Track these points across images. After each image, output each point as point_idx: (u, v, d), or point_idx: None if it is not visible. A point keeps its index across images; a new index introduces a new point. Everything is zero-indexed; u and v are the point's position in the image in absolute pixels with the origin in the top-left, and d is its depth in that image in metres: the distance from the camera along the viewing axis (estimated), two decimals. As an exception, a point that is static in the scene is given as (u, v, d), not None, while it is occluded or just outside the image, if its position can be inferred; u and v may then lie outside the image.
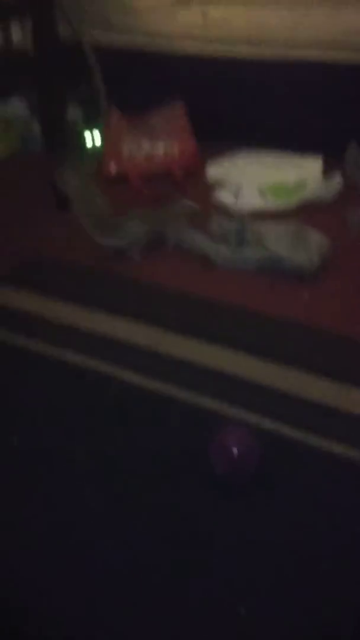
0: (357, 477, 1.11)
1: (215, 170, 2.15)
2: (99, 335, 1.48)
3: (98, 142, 2.37)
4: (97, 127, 2.38)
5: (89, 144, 2.38)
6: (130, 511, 1.10)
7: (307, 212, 1.90)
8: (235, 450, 1.08)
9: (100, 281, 1.70)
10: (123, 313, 1.55)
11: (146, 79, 2.31)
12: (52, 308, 1.58)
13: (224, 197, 1.98)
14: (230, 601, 0.95)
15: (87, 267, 1.75)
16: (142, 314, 1.52)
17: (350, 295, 1.58)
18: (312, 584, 0.97)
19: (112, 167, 2.21)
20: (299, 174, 2.06)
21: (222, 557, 1.02)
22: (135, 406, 1.30)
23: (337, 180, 2.01)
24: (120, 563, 1.02)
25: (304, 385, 1.30)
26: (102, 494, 1.13)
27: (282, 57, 2.13)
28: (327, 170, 2.06)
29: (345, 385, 1.29)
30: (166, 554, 1.03)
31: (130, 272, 1.72)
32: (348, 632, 0.92)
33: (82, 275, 1.73)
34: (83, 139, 2.38)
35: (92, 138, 2.38)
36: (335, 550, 1.01)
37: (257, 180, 2.00)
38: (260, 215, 1.84)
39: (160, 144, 2.24)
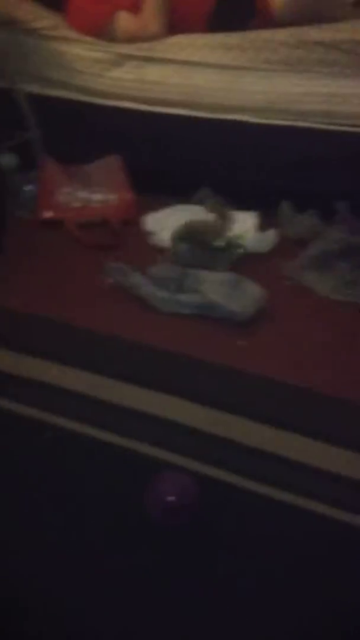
0: (296, 520, 1.08)
1: (152, 220, 2.16)
2: (33, 382, 1.41)
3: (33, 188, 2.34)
4: (32, 174, 2.36)
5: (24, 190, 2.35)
6: (63, 559, 1.02)
7: (244, 264, 1.93)
8: (171, 498, 1.03)
9: (33, 325, 1.64)
10: (57, 358, 1.49)
11: (83, 131, 2.32)
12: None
13: (162, 243, 1.99)
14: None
15: (17, 312, 1.69)
16: (77, 359, 1.47)
17: (283, 343, 1.59)
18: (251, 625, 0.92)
19: (46, 213, 2.18)
20: (235, 228, 2.11)
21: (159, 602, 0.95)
22: (70, 452, 1.23)
23: (271, 234, 2.07)
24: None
25: (241, 430, 1.27)
26: (31, 540, 1.04)
27: (215, 118, 2.20)
28: (262, 225, 2.12)
29: (282, 430, 1.27)
30: (100, 601, 0.95)
31: (64, 315, 1.67)
32: None
33: (13, 319, 1.66)
34: (18, 185, 2.35)
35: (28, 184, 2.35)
36: (274, 593, 0.97)
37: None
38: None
39: (97, 193, 2.24)
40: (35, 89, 2.37)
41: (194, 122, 2.22)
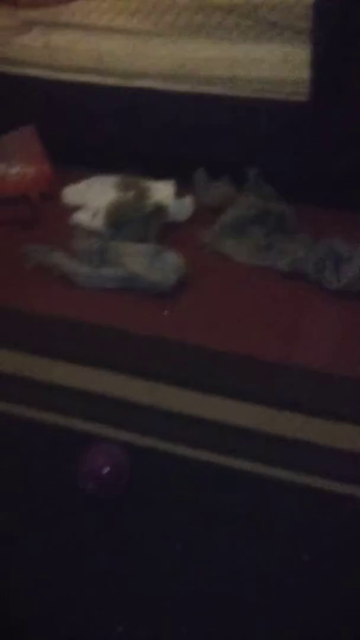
0: (224, 480, 1.18)
1: (72, 193, 2.16)
2: None
3: None
4: None
5: None
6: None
7: (163, 233, 1.98)
8: (104, 470, 1.10)
9: None
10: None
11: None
12: None
13: (82, 218, 2.00)
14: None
15: None
16: (2, 340, 1.49)
17: (205, 308, 1.67)
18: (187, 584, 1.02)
19: None
20: (153, 197, 2.14)
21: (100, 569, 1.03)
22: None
23: (188, 202, 2.12)
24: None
25: (169, 397, 1.35)
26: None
27: (124, 85, 2.20)
28: (178, 194, 2.16)
29: (208, 394, 1.36)
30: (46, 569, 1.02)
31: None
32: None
33: None
34: None
35: None
36: (203, 551, 1.07)
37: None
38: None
39: (12, 167, 2.20)
40: None
41: (103, 90, 2.21)
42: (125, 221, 1.95)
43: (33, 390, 1.36)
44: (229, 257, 1.93)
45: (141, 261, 1.72)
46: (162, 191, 2.17)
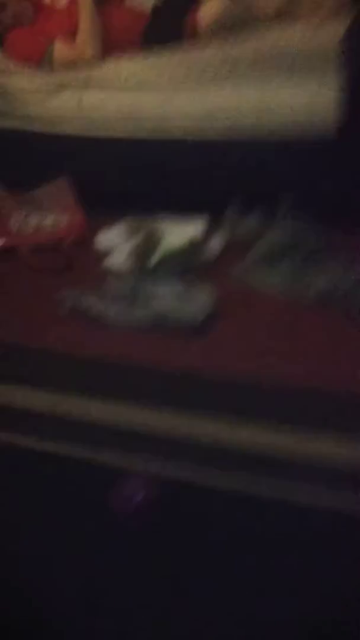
0: (252, 510, 1.18)
1: (103, 239, 2.24)
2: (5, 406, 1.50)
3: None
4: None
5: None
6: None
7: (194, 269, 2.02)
8: (134, 498, 1.12)
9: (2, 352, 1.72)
10: (20, 381, 1.56)
11: (29, 158, 2.40)
12: None
13: (113, 262, 2.07)
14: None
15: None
16: (37, 380, 1.55)
17: (235, 340, 1.69)
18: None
19: (0, 241, 2.25)
20: (185, 238, 2.20)
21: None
22: (38, 469, 1.30)
23: (219, 238, 2.16)
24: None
25: (198, 428, 1.36)
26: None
27: (155, 137, 2.30)
28: (209, 231, 2.21)
29: (236, 424, 1.37)
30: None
31: (25, 340, 1.74)
32: None
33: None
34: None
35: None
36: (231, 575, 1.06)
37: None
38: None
39: (47, 218, 2.31)
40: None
41: (133, 143, 2.31)
42: (158, 261, 2.01)
43: (69, 428, 1.40)
44: (259, 289, 1.95)
45: (170, 302, 1.76)
46: (195, 229, 2.23)
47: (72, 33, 2.44)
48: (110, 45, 2.44)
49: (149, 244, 2.06)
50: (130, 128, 2.33)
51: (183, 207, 2.28)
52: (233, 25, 2.35)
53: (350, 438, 1.27)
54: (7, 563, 1.13)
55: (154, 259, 2.00)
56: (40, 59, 2.44)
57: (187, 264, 2.01)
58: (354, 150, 2.13)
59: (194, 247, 2.09)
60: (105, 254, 2.14)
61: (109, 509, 1.15)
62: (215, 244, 2.15)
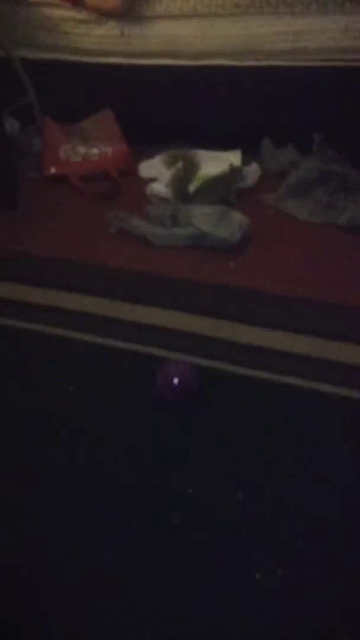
0: (281, 396, 1.37)
1: (146, 168, 2.38)
2: (61, 309, 1.71)
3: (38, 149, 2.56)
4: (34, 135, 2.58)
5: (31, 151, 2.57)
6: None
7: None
8: (176, 380, 1.32)
9: (54, 266, 1.91)
10: (77, 289, 1.77)
11: (75, 89, 2.52)
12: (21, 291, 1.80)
13: (156, 188, 2.22)
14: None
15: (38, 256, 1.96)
16: (93, 289, 1.75)
17: (267, 260, 1.85)
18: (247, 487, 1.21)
19: (52, 170, 2.41)
20: (222, 167, 2.33)
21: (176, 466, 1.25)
22: (96, 361, 1.52)
23: (254, 169, 2.29)
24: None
25: (233, 331, 1.55)
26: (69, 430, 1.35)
27: (195, 64, 2.38)
28: (245, 162, 2.34)
29: (265, 328, 1.56)
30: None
31: (78, 256, 1.93)
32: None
33: (40, 261, 1.93)
34: (25, 147, 2.57)
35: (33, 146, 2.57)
36: (262, 459, 1.26)
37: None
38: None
39: (95, 147, 2.46)
40: (29, 54, 2.55)
41: (174, 70, 2.41)
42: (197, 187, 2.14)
43: (119, 327, 1.61)
44: (292, 216, 2.09)
45: (209, 221, 1.91)
46: (232, 160, 2.35)
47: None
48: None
49: (188, 172, 2.20)
50: (170, 56, 2.42)
51: (221, 139, 2.40)
52: None
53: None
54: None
55: (193, 185, 2.14)
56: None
57: (224, 192, 2.15)
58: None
59: (231, 175, 2.21)
60: (148, 181, 2.30)
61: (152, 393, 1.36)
62: (252, 173, 2.28)
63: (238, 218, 1.93)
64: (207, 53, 2.37)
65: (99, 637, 1.04)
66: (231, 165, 2.21)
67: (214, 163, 2.35)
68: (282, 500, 1.19)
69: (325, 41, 2.23)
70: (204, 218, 1.91)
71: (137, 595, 1.08)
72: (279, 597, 1.06)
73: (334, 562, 1.10)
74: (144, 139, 2.42)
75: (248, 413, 1.34)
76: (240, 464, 1.26)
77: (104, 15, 2.43)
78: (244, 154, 2.35)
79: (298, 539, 1.13)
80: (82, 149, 2.47)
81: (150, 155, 2.41)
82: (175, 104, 2.42)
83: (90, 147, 2.47)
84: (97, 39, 2.49)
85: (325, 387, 1.38)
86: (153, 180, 2.28)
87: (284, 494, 1.20)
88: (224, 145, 2.38)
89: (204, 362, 1.46)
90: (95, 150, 2.47)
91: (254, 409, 1.35)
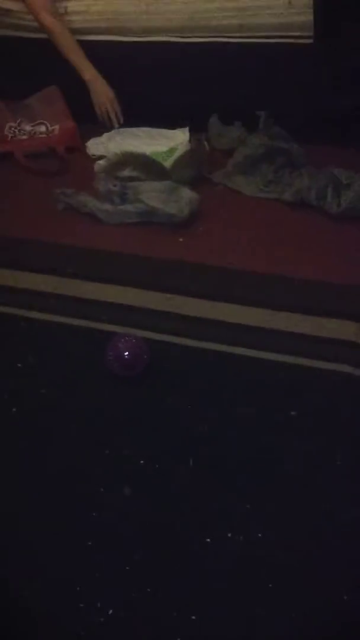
0: (224, 368, 1.40)
1: (94, 145, 2.36)
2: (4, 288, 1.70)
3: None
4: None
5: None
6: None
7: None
8: (126, 353, 1.33)
9: (5, 244, 1.88)
10: (25, 267, 1.75)
11: (18, 66, 2.47)
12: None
13: (104, 165, 2.20)
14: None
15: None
16: (42, 266, 1.74)
17: (215, 237, 1.87)
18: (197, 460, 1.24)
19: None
20: (169, 144, 2.34)
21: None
22: (43, 338, 1.52)
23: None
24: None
25: (180, 304, 1.57)
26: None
27: (139, 41, 2.36)
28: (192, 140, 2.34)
29: (214, 301, 1.58)
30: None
31: (27, 234, 1.91)
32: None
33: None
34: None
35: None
36: (210, 429, 1.29)
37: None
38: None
39: (41, 124, 2.42)
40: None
41: (118, 47, 2.38)
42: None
43: (68, 304, 1.60)
44: (239, 192, 2.11)
45: (158, 197, 1.92)
46: (178, 138, 2.36)
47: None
48: None
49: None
50: (114, 33, 2.39)
51: (168, 117, 2.39)
52: None
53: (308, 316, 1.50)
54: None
55: (140, 163, 2.13)
56: None
57: (198, 166, 2.13)
58: (329, 59, 2.22)
59: (202, 148, 2.19)
60: (96, 158, 2.28)
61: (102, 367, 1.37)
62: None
63: (187, 194, 1.94)
64: (151, 29, 2.35)
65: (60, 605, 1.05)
66: (198, 139, 2.22)
67: (163, 140, 2.36)
68: (231, 467, 1.22)
69: (269, 17, 2.25)
70: (153, 194, 1.91)
71: (90, 566, 1.09)
72: (228, 560, 1.09)
73: (282, 523, 1.14)
74: (91, 116, 2.40)
75: (197, 384, 1.36)
76: (190, 434, 1.28)
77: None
78: (191, 131, 2.36)
79: (246, 503, 1.16)
80: (28, 127, 2.43)
81: (99, 133, 2.39)
82: (121, 81, 2.40)
83: (36, 125, 2.43)
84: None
85: (271, 356, 1.42)
86: (101, 158, 2.27)
87: (233, 462, 1.23)
88: (171, 123, 2.39)
89: (154, 335, 1.47)
90: (42, 128, 2.43)
91: (202, 380, 1.38)
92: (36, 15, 2.36)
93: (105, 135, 2.39)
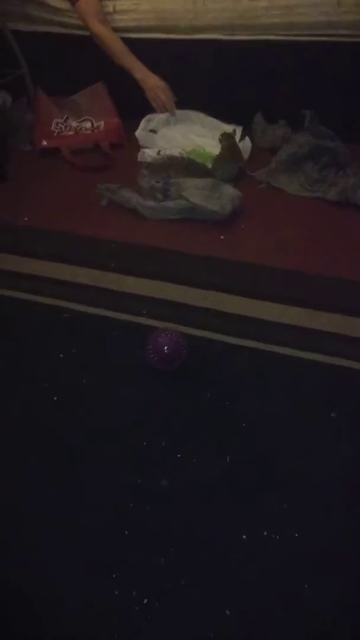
0: (264, 365, 1.40)
1: (142, 134, 2.37)
2: (51, 279, 1.72)
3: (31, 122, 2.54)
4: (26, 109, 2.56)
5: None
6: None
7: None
8: (166, 348, 1.34)
9: (49, 237, 1.91)
10: (68, 260, 1.78)
11: (67, 63, 2.50)
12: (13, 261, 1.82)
13: (149, 161, 2.21)
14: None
15: (30, 228, 1.97)
16: (85, 260, 1.76)
17: (256, 235, 1.87)
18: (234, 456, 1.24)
19: (43, 142, 2.40)
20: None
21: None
22: (87, 329, 1.54)
23: (247, 144, 2.29)
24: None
25: (221, 301, 1.57)
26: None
27: (188, 38, 2.37)
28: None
29: (254, 299, 1.58)
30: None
31: (70, 227, 1.93)
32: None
33: (32, 233, 1.94)
34: (17, 120, 2.55)
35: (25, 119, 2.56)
36: (248, 425, 1.29)
37: (179, 145, 2.25)
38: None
39: (87, 120, 2.45)
40: (21, 26, 2.53)
41: (166, 44, 2.39)
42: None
43: (109, 297, 1.62)
44: (282, 191, 2.10)
45: (201, 193, 1.92)
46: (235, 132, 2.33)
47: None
48: None
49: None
50: (162, 30, 2.40)
51: (214, 115, 2.40)
52: None
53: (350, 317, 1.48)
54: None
55: (187, 160, 2.14)
56: None
57: (237, 162, 2.12)
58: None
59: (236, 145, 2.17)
60: (141, 154, 2.29)
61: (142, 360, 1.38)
62: (244, 148, 2.27)
63: (229, 191, 1.93)
64: (199, 27, 2.36)
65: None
66: (226, 134, 2.20)
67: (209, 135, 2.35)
68: (269, 464, 1.22)
69: (317, 15, 2.23)
70: (195, 191, 1.92)
71: (127, 556, 1.10)
72: (263, 557, 1.09)
73: (317, 524, 1.13)
74: (136, 112, 2.42)
75: (234, 381, 1.36)
76: (227, 431, 1.28)
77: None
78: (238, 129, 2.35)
79: (283, 502, 1.16)
80: (74, 123, 2.47)
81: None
82: (167, 79, 2.41)
83: (82, 121, 2.47)
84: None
85: (313, 356, 1.41)
86: (145, 153, 2.27)
87: (270, 460, 1.23)
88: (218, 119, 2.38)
89: (194, 331, 1.47)
90: (87, 124, 2.47)
91: (242, 377, 1.38)
92: (85, 22, 2.38)
93: (162, 117, 2.38)
